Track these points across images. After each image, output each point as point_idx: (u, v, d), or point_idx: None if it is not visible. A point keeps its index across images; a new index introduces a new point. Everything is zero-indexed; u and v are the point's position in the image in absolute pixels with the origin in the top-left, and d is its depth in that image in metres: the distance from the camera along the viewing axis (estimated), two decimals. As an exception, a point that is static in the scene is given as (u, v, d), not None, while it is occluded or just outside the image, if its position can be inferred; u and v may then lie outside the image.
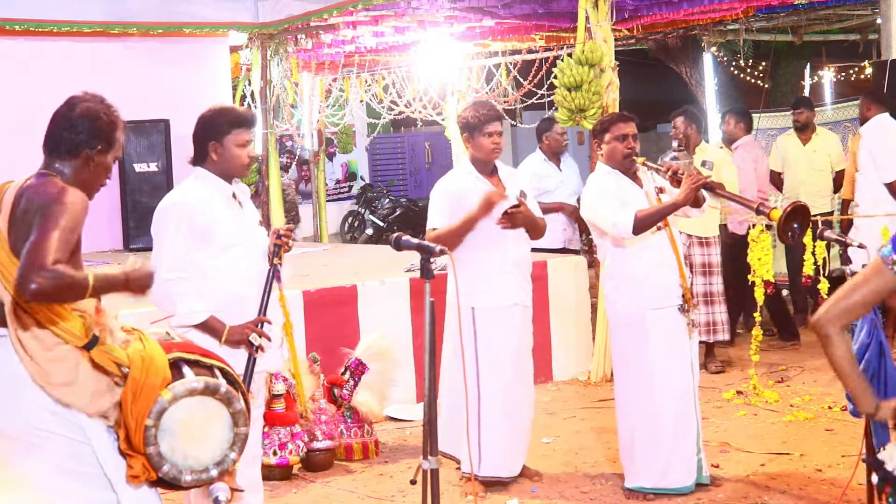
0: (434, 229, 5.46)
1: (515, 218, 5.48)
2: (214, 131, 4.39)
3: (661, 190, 5.46)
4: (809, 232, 6.03)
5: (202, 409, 3.36)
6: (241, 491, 3.92)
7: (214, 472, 3.38)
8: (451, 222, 5.43)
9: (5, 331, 3.31)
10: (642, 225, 5.19)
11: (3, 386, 3.34)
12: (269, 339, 4.35)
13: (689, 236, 7.79)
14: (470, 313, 5.41)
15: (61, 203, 3.26)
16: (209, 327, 4.28)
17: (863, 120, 8.42)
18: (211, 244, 4.32)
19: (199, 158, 4.44)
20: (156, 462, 3.31)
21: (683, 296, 5.37)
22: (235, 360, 4.16)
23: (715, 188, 5.36)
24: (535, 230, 5.62)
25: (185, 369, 3.41)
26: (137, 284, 3.33)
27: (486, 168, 5.62)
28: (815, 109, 10.19)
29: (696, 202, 5.34)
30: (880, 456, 3.03)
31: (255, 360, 4.32)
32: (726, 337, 8.15)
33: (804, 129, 9.70)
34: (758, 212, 5.13)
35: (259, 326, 4.33)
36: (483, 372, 5.43)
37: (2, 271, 3.31)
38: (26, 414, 3.32)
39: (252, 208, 4.59)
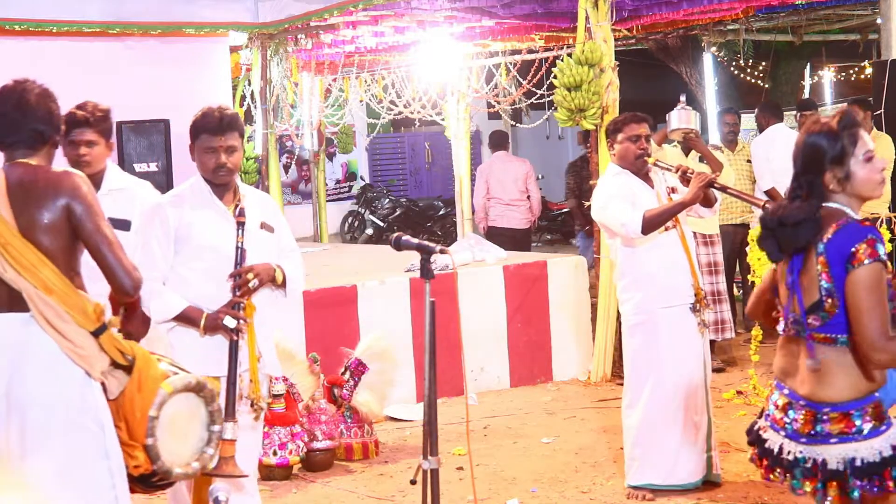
0: None
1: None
2: (190, 135, 4.33)
3: (672, 190, 5.45)
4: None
5: (186, 406, 3.61)
6: (246, 476, 4.07)
7: (196, 465, 3.65)
8: None
9: (28, 315, 3.42)
10: (651, 224, 5.18)
11: (34, 364, 3.45)
12: (245, 320, 4.14)
13: (694, 234, 7.78)
14: None
15: (82, 193, 3.47)
16: (187, 317, 4.16)
17: (760, 130, 9.07)
18: (184, 245, 4.25)
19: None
20: (154, 454, 3.48)
21: (696, 295, 5.37)
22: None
23: (722, 186, 5.35)
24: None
25: (170, 367, 3.64)
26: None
27: None
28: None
29: (707, 201, 5.33)
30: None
31: (237, 345, 4.11)
32: (733, 335, 8.17)
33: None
34: (764, 209, 5.12)
35: (236, 308, 4.13)
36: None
37: (17, 258, 3.37)
38: (55, 389, 3.43)
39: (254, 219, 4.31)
